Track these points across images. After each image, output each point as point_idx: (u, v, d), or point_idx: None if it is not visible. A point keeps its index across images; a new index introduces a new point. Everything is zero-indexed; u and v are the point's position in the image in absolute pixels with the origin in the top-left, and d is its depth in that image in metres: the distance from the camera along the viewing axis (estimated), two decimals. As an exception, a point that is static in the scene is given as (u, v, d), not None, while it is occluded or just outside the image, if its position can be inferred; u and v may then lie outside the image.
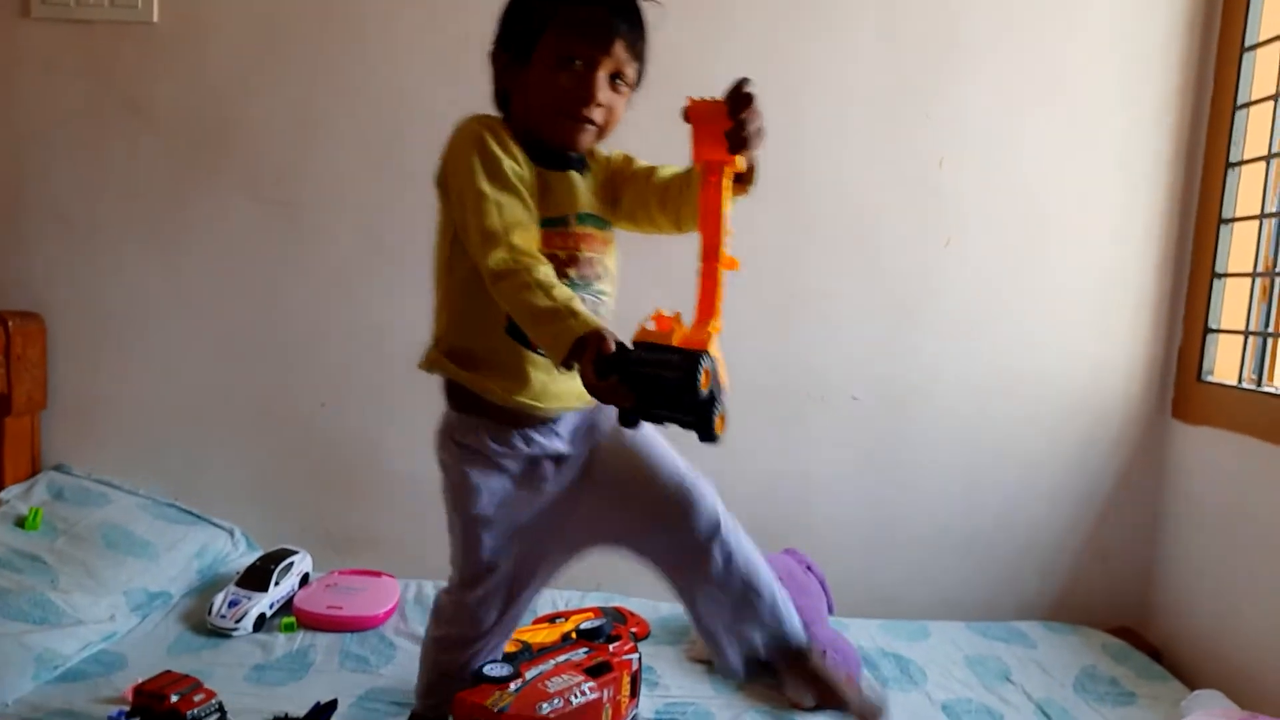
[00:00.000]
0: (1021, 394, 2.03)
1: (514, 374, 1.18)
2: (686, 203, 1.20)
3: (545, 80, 1.15)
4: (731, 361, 0.98)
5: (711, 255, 1.00)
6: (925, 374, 2.01)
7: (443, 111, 1.94)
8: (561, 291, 1.03)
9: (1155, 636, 1.99)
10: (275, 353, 1.99)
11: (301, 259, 1.97)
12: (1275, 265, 1.80)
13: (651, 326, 1.00)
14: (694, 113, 1.02)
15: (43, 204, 1.94)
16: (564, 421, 1.25)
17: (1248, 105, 1.86)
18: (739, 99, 1.01)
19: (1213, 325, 1.93)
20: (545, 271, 1.05)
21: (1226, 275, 1.91)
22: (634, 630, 1.78)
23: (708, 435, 0.95)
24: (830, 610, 1.83)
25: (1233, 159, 1.88)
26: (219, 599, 1.72)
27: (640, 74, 1.21)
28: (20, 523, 1.76)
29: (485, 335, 1.17)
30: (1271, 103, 1.80)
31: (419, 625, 1.79)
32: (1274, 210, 1.80)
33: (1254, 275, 1.84)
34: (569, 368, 0.98)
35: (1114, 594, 2.06)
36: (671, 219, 1.23)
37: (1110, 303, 2.02)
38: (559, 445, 1.25)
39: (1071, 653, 1.86)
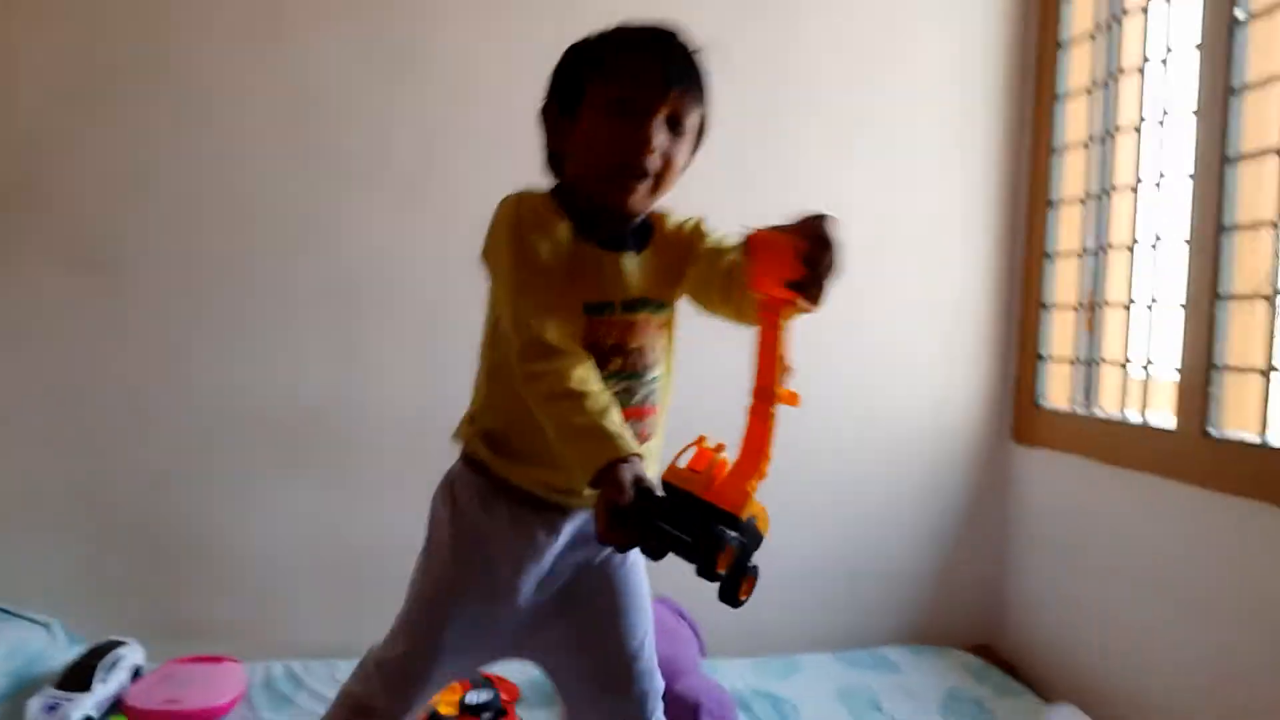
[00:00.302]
0: (872, 424, 2.08)
1: (555, 463, 1.05)
2: (748, 300, 1.02)
3: (595, 131, 1.05)
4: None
5: (764, 396, 0.90)
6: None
7: (275, 162, 1.85)
8: (596, 402, 0.95)
9: (1010, 652, 2.07)
10: (96, 431, 1.82)
11: (124, 327, 1.81)
12: (1094, 296, 1.92)
13: (684, 463, 0.91)
14: (756, 246, 0.89)
15: None
16: (575, 518, 1.14)
17: (1063, 150, 1.99)
18: (817, 243, 0.86)
19: (1043, 353, 2.04)
20: (580, 375, 0.97)
21: (1054, 306, 2.02)
22: (503, 696, 1.70)
23: (729, 601, 0.87)
24: (703, 654, 1.81)
25: (1051, 198, 2.01)
26: (34, 705, 1.54)
27: (704, 121, 1.11)
28: None
29: (522, 422, 1.04)
30: (1083, 148, 1.93)
31: (269, 712, 1.66)
32: (1090, 247, 1.92)
33: (1078, 307, 1.95)
34: (595, 486, 0.91)
35: (970, 613, 2.14)
36: (732, 312, 1.08)
37: (952, 333, 2.10)
38: (559, 543, 1.14)
39: (935, 675, 1.91)
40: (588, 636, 1.17)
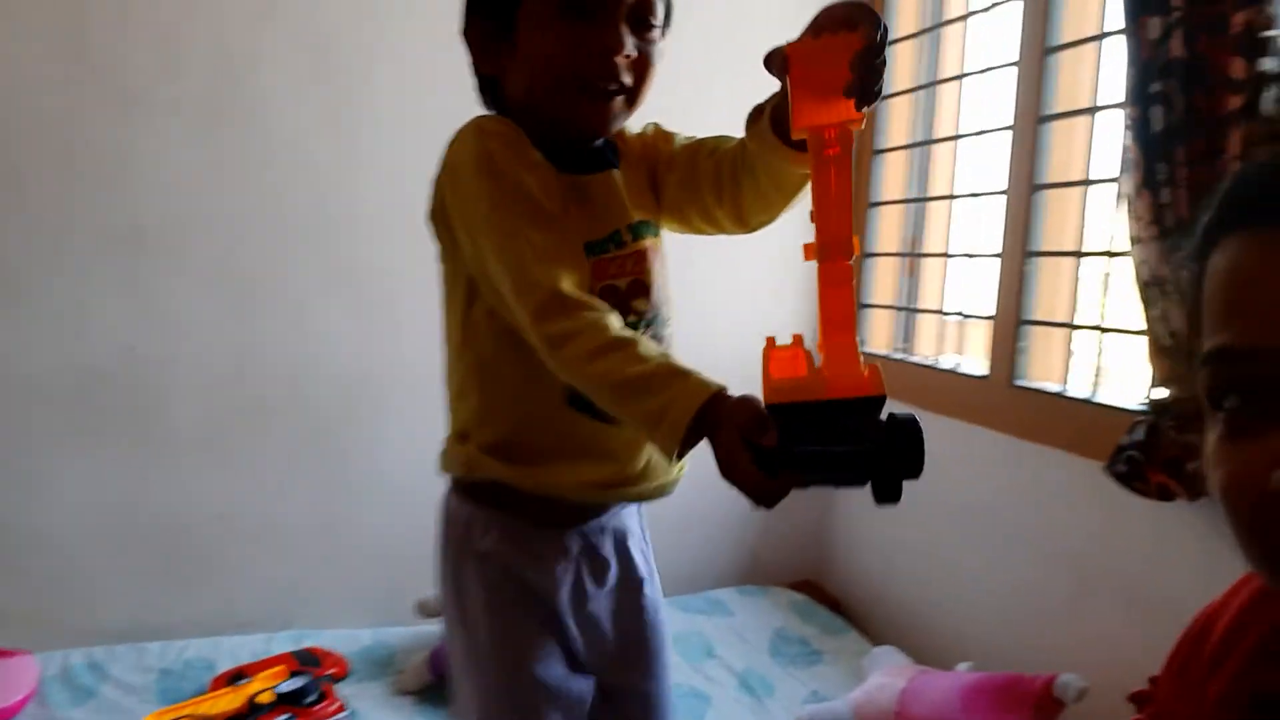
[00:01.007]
0: (696, 365, 2.08)
1: (600, 453, 0.90)
2: (752, 191, 0.91)
3: (545, 43, 0.85)
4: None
5: (837, 250, 0.73)
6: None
7: (42, 79, 1.62)
8: (648, 346, 0.76)
9: (834, 589, 2.16)
10: None
11: None
12: (915, 247, 1.97)
13: (777, 376, 0.74)
14: (796, 59, 0.73)
15: None
16: (614, 519, 0.99)
17: (890, 97, 2.01)
18: (876, 33, 0.71)
19: (865, 301, 2.09)
20: (616, 322, 0.79)
21: (876, 255, 2.07)
22: (332, 672, 1.63)
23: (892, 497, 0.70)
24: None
25: (877, 147, 2.04)
26: None
27: (669, 11, 0.91)
28: None
29: (537, 417, 0.89)
30: (909, 96, 1.96)
31: (65, 708, 1.52)
32: (912, 197, 1.97)
33: (900, 255, 2.00)
34: (681, 454, 0.73)
35: (794, 552, 2.21)
36: (731, 213, 0.94)
37: (779, 275, 2.11)
38: (608, 544, 0.98)
39: (764, 615, 1.97)
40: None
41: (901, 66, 1.99)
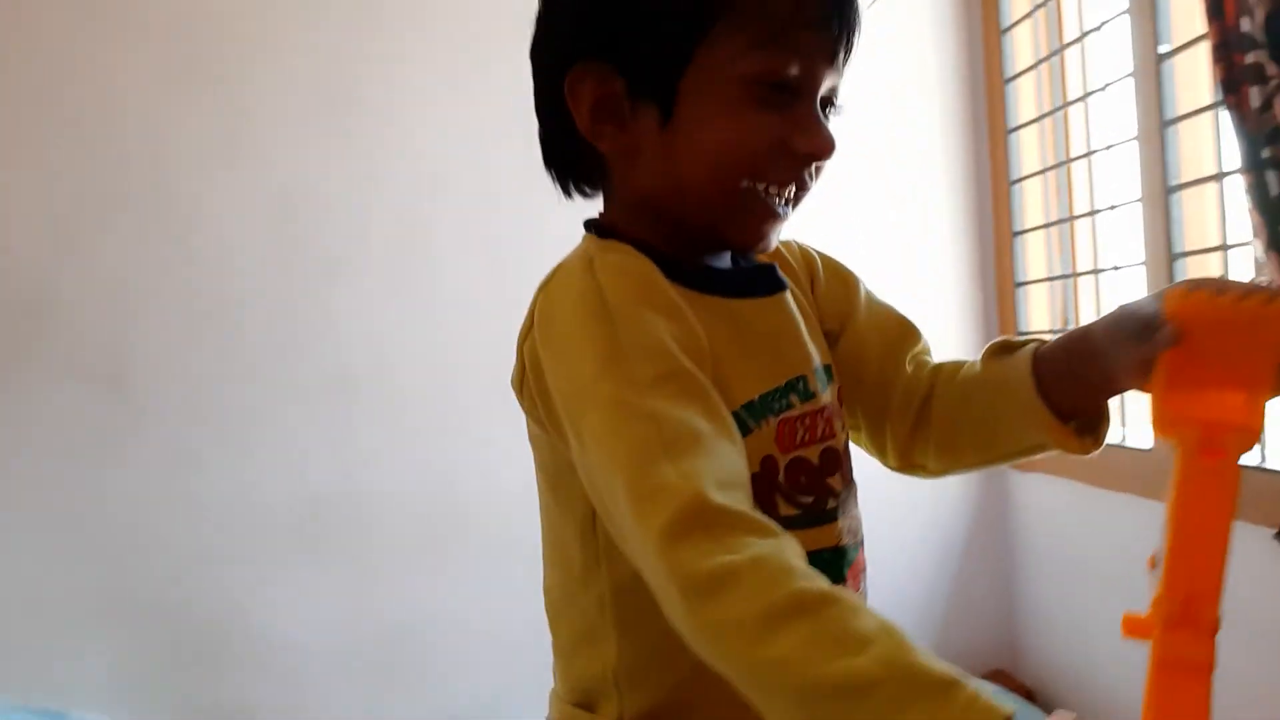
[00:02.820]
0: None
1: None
2: (953, 439, 0.73)
3: (732, 129, 0.64)
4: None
5: (1195, 616, 0.50)
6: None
7: (266, 267, 1.94)
8: (874, 624, 0.49)
9: (1027, 678, 2.09)
10: (117, 532, 1.91)
11: (133, 435, 1.91)
12: (1065, 316, 1.96)
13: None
14: (1188, 322, 0.54)
15: None
16: None
17: (1022, 180, 2.03)
18: None
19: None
20: (794, 554, 0.52)
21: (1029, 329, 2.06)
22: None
23: None
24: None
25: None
26: (87, 807, 1.64)
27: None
28: None
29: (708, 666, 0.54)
30: (1040, 177, 1.98)
31: (305, 796, 1.74)
32: (1060, 271, 1.96)
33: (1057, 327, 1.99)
34: None
35: (984, 641, 2.17)
36: (899, 446, 0.76)
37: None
38: None
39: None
40: None
41: (1029, 148, 2.02)
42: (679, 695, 0.64)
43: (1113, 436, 1.76)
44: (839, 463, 0.70)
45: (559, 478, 0.68)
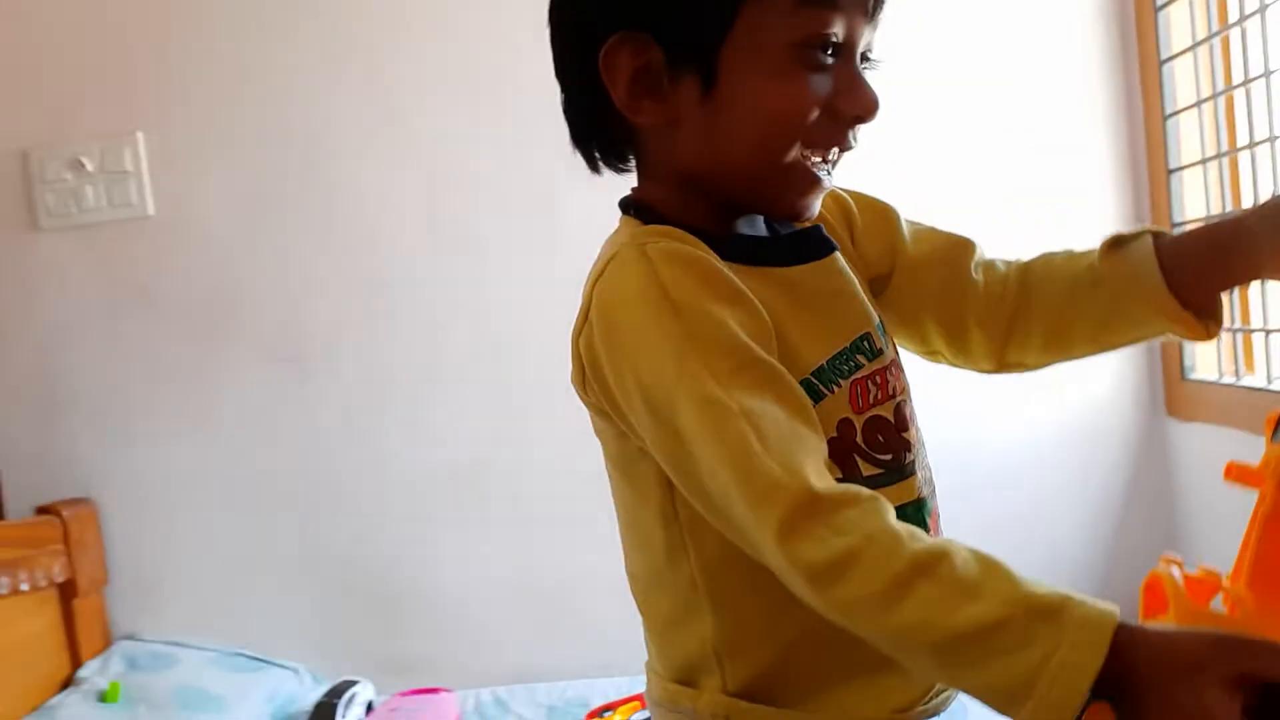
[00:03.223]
0: (1023, 406, 2.09)
1: (878, 665, 0.62)
2: (1072, 333, 0.73)
3: (780, 96, 0.63)
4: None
5: None
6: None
7: (420, 248, 2.08)
8: (964, 561, 0.53)
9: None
10: (307, 497, 2.12)
11: (314, 409, 2.10)
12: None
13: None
14: None
15: (76, 398, 2.09)
16: None
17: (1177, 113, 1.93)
18: None
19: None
20: (892, 518, 0.56)
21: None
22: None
23: None
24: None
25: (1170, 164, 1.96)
26: (292, 741, 1.84)
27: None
28: (101, 697, 1.89)
29: (811, 629, 0.61)
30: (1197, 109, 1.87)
31: (480, 736, 1.89)
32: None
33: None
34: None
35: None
36: (1050, 335, 0.74)
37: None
38: None
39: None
40: None
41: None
42: (782, 663, 0.66)
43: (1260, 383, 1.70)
44: (911, 416, 0.72)
45: (632, 466, 0.69)
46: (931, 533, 0.71)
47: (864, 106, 0.65)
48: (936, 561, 0.53)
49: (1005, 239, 0.88)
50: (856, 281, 0.72)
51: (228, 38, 2.05)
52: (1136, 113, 2.04)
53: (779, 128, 0.64)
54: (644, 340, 0.62)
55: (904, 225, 0.79)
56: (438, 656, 2.12)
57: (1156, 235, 0.69)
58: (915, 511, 0.70)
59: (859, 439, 0.67)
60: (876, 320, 0.72)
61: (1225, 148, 1.81)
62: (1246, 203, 1.81)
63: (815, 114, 0.64)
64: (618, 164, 0.74)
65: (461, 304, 2.10)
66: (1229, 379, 1.88)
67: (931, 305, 0.77)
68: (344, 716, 1.89)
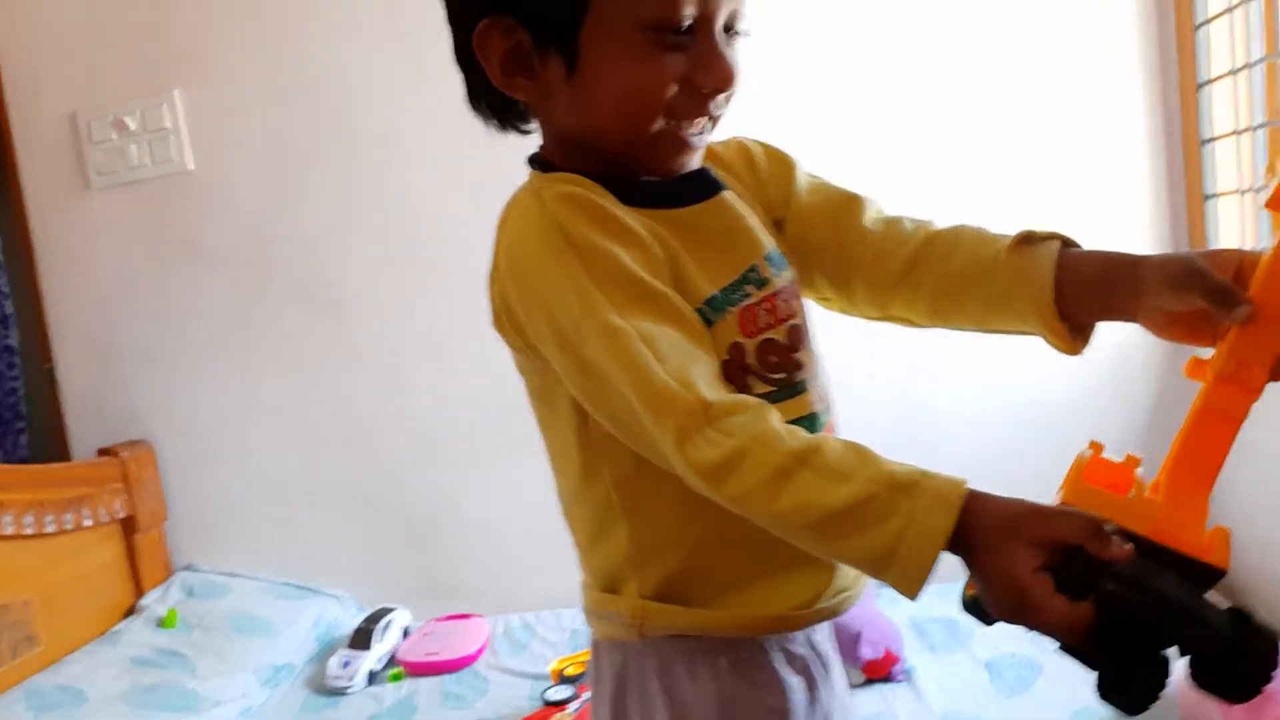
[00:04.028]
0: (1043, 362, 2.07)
1: (792, 562, 0.72)
2: (959, 311, 0.76)
3: (633, 75, 0.68)
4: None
5: (1250, 375, 0.60)
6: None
7: (450, 194, 2.14)
8: (836, 450, 0.61)
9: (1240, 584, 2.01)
10: (347, 436, 2.23)
11: (353, 351, 2.20)
12: (1255, 181, 1.81)
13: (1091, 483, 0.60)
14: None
15: (132, 345, 2.23)
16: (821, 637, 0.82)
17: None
18: None
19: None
20: (777, 421, 0.63)
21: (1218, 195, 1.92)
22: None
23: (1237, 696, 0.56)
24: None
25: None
26: (334, 661, 1.97)
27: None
28: (161, 623, 2.05)
29: (730, 523, 0.65)
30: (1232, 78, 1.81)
31: (508, 659, 1.99)
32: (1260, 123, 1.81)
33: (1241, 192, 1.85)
34: (916, 591, 0.58)
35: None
36: (938, 303, 0.77)
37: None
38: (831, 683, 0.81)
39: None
40: None
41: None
42: (690, 567, 0.73)
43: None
44: (803, 338, 0.77)
45: (550, 394, 0.76)
46: None
47: (720, 79, 0.69)
48: (812, 453, 0.60)
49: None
50: (745, 217, 0.77)
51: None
52: (1171, 81, 1.97)
53: (638, 104, 0.69)
54: (548, 279, 0.68)
55: (800, 176, 0.83)
56: (469, 584, 2.23)
57: (1065, 245, 0.72)
58: (808, 426, 0.74)
59: (750, 360, 0.73)
60: (768, 250, 0.77)
61: (1261, 119, 1.75)
62: None
63: (674, 89, 0.69)
64: (518, 126, 0.80)
65: (488, 253, 2.16)
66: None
67: (818, 254, 0.81)
68: (381, 640, 2.01)
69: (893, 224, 0.80)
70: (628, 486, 0.74)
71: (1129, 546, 0.55)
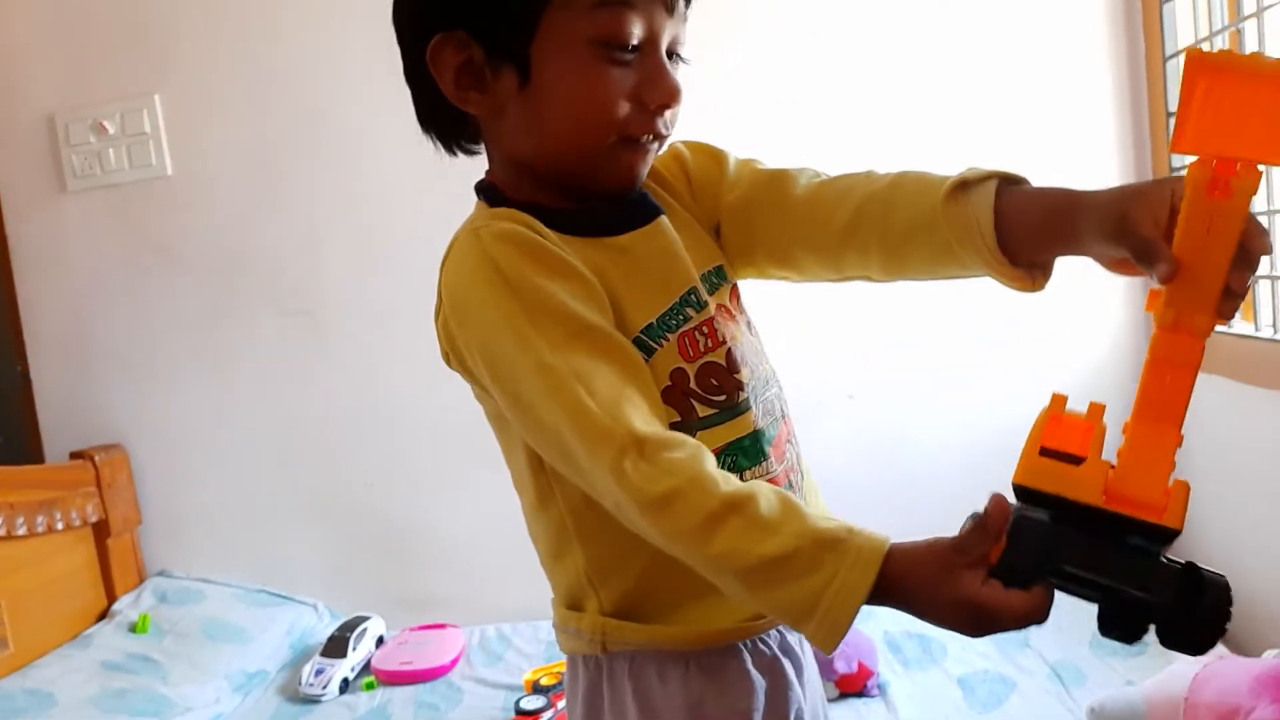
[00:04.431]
0: (1017, 358, 2.09)
1: None
2: (901, 265, 0.76)
3: (585, 87, 0.70)
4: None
5: (1192, 323, 0.59)
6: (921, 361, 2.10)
7: (426, 202, 2.13)
8: (769, 499, 0.63)
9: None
10: (323, 443, 2.22)
11: (326, 359, 2.19)
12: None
13: (1050, 446, 0.61)
14: (1214, 68, 0.58)
15: (107, 349, 2.22)
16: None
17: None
18: None
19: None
20: (712, 465, 0.65)
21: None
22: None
23: (1191, 648, 0.59)
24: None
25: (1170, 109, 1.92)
26: (307, 669, 1.95)
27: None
28: (132, 628, 2.03)
29: (661, 555, 0.68)
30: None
31: (483, 669, 1.99)
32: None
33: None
34: (833, 646, 0.61)
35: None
36: (887, 261, 0.77)
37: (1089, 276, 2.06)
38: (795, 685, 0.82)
39: (1090, 608, 1.92)
40: None
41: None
42: (643, 586, 0.75)
43: (1267, 333, 1.67)
44: (744, 358, 0.77)
45: (504, 425, 0.78)
46: (772, 457, 0.78)
47: (666, 94, 0.71)
48: (745, 501, 0.62)
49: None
50: (680, 241, 0.78)
51: (238, 1, 2.11)
52: (1139, 54, 2.00)
53: (590, 119, 0.71)
54: (485, 318, 0.70)
55: (731, 164, 0.84)
56: (445, 594, 2.22)
57: (1003, 184, 0.70)
58: (753, 442, 0.76)
59: (693, 384, 0.75)
60: (707, 271, 0.78)
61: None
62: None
63: (625, 106, 0.71)
64: (469, 149, 0.82)
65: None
66: (1226, 329, 1.85)
67: (756, 237, 0.82)
68: (355, 648, 2.00)
69: (826, 185, 0.79)
70: (579, 513, 0.76)
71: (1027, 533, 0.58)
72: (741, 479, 0.71)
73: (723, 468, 0.71)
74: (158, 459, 2.24)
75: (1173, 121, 1.86)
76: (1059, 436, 0.61)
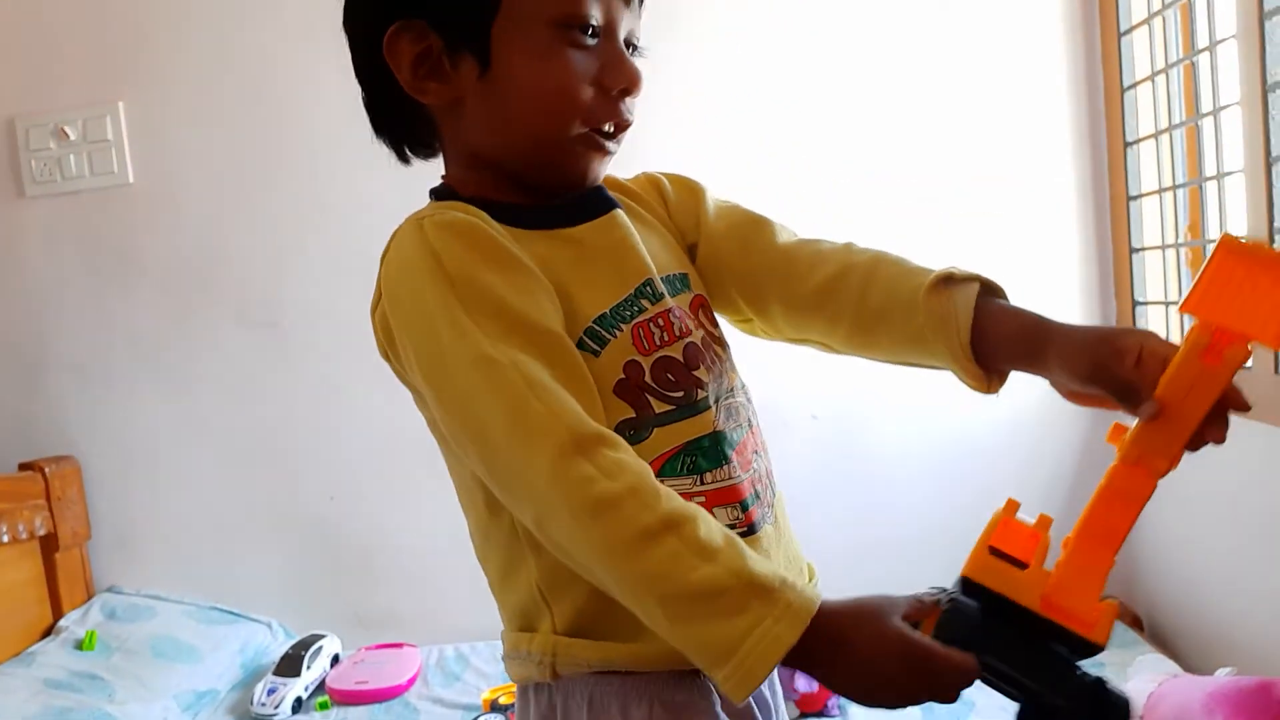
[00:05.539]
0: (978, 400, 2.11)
1: None
2: (869, 346, 0.77)
3: (548, 74, 0.69)
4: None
5: (1152, 463, 0.63)
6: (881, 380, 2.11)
7: (393, 215, 2.13)
8: (719, 536, 0.60)
9: (1138, 606, 2.05)
10: (281, 459, 2.19)
11: (290, 373, 2.17)
12: (1178, 237, 1.87)
13: (997, 546, 0.64)
14: (1230, 249, 0.63)
15: (61, 358, 2.17)
16: None
17: (1134, 86, 1.94)
18: None
19: (1139, 298, 2.00)
20: (663, 488, 0.61)
21: (1144, 249, 1.98)
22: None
23: None
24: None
25: (1129, 138, 1.97)
26: (259, 688, 1.91)
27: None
28: (79, 645, 1.98)
29: None
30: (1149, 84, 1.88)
31: (440, 689, 1.96)
32: (1181, 182, 1.88)
33: (1165, 247, 1.91)
34: (743, 696, 0.58)
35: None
36: (854, 334, 0.77)
37: (1048, 285, 2.09)
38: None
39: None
40: None
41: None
42: (599, 599, 0.67)
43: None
44: (701, 356, 0.74)
45: (444, 435, 0.74)
46: (734, 462, 0.75)
47: (628, 80, 0.71)
48: (683, 522, 0.59)
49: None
50: (636, 236, 0.77)
51: (206, 9, 2.10)
52: (1097, 83, 2.04)
53: (553, 103, 0.70)
54: (422, 309, 0.67)
55: (710, 201, 0.84)
56: (402, 613, 2.19)
57: (985, 290, 0.72)
58: (714, 444, 0.73)
59: (648, 378, 0.72)
60: (664, 273, 0.77)
61: (1183, 118, 1.82)
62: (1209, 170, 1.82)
63: (588, 91, 0.70)
64: (424, 151, 0.80)
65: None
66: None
67: (732, 275, 0.82)
68: (310, 667, 1.97)
69: (805, 245, 0.81)
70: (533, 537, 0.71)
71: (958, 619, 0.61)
72: (702, 481, 0.71)
73: (681, 469, 0.70)
74: (111, 471, 2.19)
75: (1130, 151, 1.93)
76: (1008, 540, 0.65)
